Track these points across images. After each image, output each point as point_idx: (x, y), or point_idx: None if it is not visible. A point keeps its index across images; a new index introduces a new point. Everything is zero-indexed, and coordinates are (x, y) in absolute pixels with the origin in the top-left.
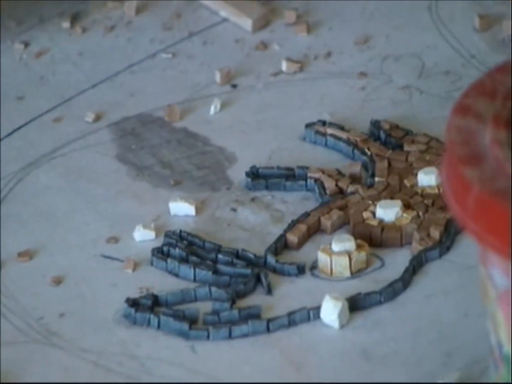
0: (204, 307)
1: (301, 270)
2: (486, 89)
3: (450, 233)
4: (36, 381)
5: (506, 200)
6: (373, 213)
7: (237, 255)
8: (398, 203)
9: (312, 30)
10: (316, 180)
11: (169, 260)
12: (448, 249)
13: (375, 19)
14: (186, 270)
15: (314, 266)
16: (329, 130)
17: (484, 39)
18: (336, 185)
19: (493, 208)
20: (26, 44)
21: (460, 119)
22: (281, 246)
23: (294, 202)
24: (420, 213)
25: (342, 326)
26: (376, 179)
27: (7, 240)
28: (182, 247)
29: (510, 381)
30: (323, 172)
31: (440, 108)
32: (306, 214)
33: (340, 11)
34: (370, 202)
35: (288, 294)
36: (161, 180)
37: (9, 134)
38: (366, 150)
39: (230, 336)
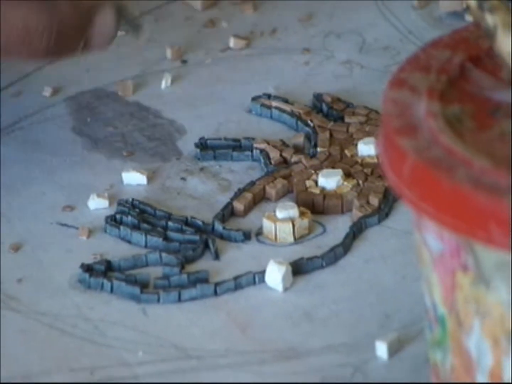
0: (155, 272)
1: (247, 236)
2: (420, 64)
3: (389, 201)
4: None
5: (439, 168)
6: (316, 182)
7: (186, 222)
8: (339, 172)
9: (258, 8)
10: (261, 150)
11: (121, 227)
12: (386, 215)
13: None
14: (138, 237)
15: (259, 233)
16: (274, 103)
17: (421, 16)
18: (281, 155)
19: (427, 177)
20: None
21: (396, 92)
22: (228, 213)
23: (241, 172)
24: (360, 182)
25: (285, 289)
26: (319, 149)
27: None
28: (134, 215)
29: (444, 340)
30: (268, 143)
31: (380, 82)
32: (252, 183)
33: None
34: (312, 171)
35: (234, 259)
36: (115, 151)
37: None
38: (309, 122)
39: (179, 300)
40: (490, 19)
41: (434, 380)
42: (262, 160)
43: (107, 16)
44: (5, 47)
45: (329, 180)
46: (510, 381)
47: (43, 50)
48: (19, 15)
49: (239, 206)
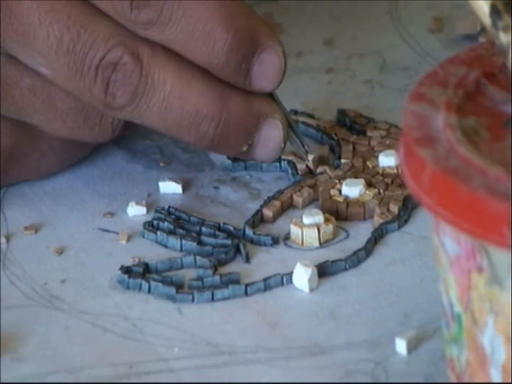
0: (189, 274)
1: (275, 241)
2: (439, 79)
3: (408, 208)
4: (39, 339)
5: (457, 177)
6: (339, 191)
7: (219, 228)
8: (361, 182)
9: (285, 31)
10: (289, 162)
11: (158, 232)
12: (405, 222)
13: (341, 22)
14: (174, 241)
15: (287, 237)
16: (301, 118)
17: (438, 38)
18: (307, 166)
19: (446, 184)
20: None
21: (415, 105)
22: (258, 220)
23: (270, 181)
24: (381, 191)
25: (311, 290)
26: (342, 160)
27: (15, 216)
28: (170, 221)
29: (460, 336)
30: (295, 155)
31: (399, 100)
32: (280, 192)
33: (310, 14)
34: (336, 181)
35: (264, 262)
36: (152, 162)
37: None
38: (333, 135)
39: (212, 299)
40: (503, 38)
41: (450, 374)
42: (290, 171)
43: (274, 129)
44: (170, 128)
45: (352, 189)
46: None
47: (209, 138)
48: (193, 96)
49: (268, 213)
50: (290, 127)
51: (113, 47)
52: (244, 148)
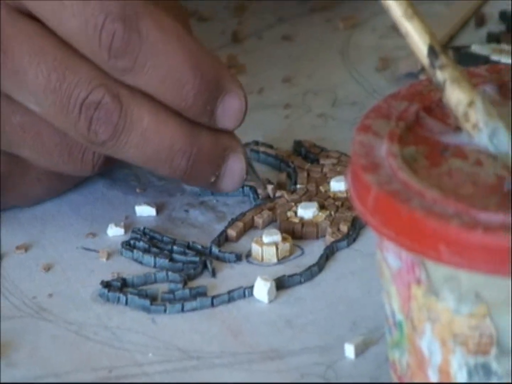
0: (162, 288)
1: (238, 257)
2: (382, 112)
3: (356, 228)
4: (30, 346)
5: (398, 199)
6: (295, 213)
7: (188, 246)
8: (314, 205)
9: (248, 70)
10: (250, 187)
11: (135, 251)
12: (354, 240)
13: (299, 62)
14: (148, 258)
15: (248, 255)
16: (262, 148)
17: (383, 76)
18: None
19: (388, 206)
20: None
21: (362, 135)
22: (223, 239)
23: (234, 205)
24: (332, 212)
25: (270, 301)
26: (298, 186)
27: (7, 237)
28: (145, 241)
29: (402, 341)
30: (250, 186)
31: (349, 131)
32: (243, 214)
33: (271, 55)
34: (293, 204)
35: (228, 276)
36: (129, 188)
37: None
38: (290, 163)
39: (182, 310)
40: (440, 75)
41: (393, 375)
42: (251, 195)
43: (238, 162)
44: (147, 161)
45: (307, 211)
46: (455, 375)
47: (182, 170)
48: (167, 132)
49: (232, 233)
50: (248, 162)
51: (95, 88)
52: (212, 179)
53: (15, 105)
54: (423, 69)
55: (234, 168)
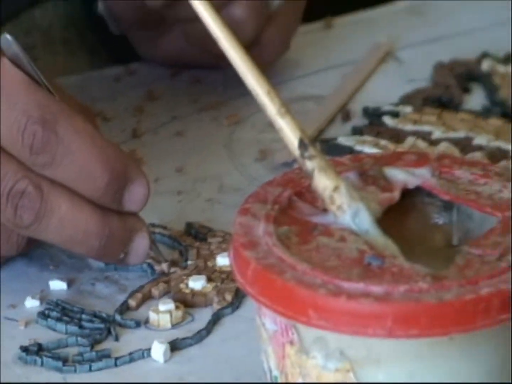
0: (72, 351)
1: (138, 324)
2: (260, 197)
3: (239, 296)
4: None
5: (273, 272)
6: (187, 284)
7: (95, 315)
8: (203, 277)
9: (146, 162)
10: (148, 264)
11: (49, 319)
12: (237, 307)
13: (189, 154)
14: (61, 326)
15: (147, 321)
16: (157, 230)
17: (263, 166)
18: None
19: (264, 277)
20: None
21: (242, 217)
22: (124, 308)
23: (134, 279)
24: (218, 284)
25: (165, 361)
26: (189, 262)
27: None
28: (57, 311)
29: None
30: (153, 259)
31: (232, 214)
32: (142, 286)
33: (165, 148)
34: (184, 277)
35: (129, 340)
36: (44, 266)
37: None
38: (182, 242)
39: (90, 370)
40: (309, 165)
41: None
42: (149, 270)
43: (143, 240)
44: (65, 243)
45: (196, 283)
46: None
47: (95, 249)
48: (82, 218)
49: (132, 303)
50: (151, 239)
51: (20, 179)
52: (121, 256)
53: None
54: (295, 160)
55: (140, 245)
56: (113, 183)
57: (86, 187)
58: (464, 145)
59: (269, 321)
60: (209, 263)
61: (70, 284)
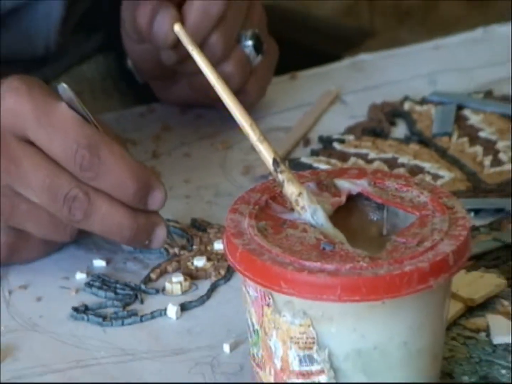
0: (110, 311)
1: (157, 291)
2: (245, 200)
3: (230, 271)
4: (26, 349)
5: (254, 254)
6: (192, 263)
7: (126, 284)
8: (204, 258)
9: (161, 175)
10: (165, 248)
11: (92, 288)
12: (229, 279)
13: (195, 171)
14: (101, 292)
15: (163, 289)
16: (171, 223)
17: (247, 178)
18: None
19: (248, 258)
20: None
21: (232, 215)
22: (147, 280)
23: (154, 259)
24: (215, 262)
25: (177, 318)
26: (194, 247)
27: (14, 278)
28: (99, 282)
29: (258, 342)
30: (168, 244)
31: (225, 212)
32: (160, 264)
33: (177, 166)
34: (191, 257)
35: (151, 303)
36: (89, 249)
37: None
38: (189, 232)
39: (123, 324)
40: (280, 177)
41: (253, 363)
42: (165, 253)
43: (162, 230)
44: (105, 233)
45: (199, 262)
46: (291, 363)
47: (127, 238)
48: (118, 214)
49: (153, 276)
50: (168, 230)
51: (72, 188)
52: (146, 242)
53: (22, 198)
54: (270, 173)
55: (159, 235)
56: (140, 190)
57: (120, 193)
58: (391, 163)
59: (252, 290)
60: (208, 248)
61: (108, 262)
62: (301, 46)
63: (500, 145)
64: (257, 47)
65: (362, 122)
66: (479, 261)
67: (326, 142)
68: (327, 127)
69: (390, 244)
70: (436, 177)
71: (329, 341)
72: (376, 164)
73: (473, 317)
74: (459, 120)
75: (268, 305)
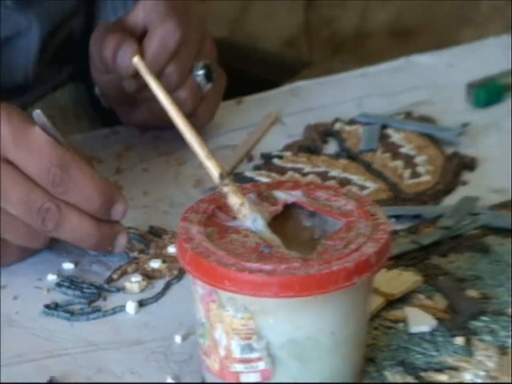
0: (77, 307)
1: (118, 290)
2: (194, 209)
3: (182, 272)
4: (4, 341)
5: (202, 256)
6: (149, 265)
7: (91, 284)
8: (160, 261)
9: (123, 189)
10: (125, 252)
11: (62, 287)
12: (181, 279)
13: (153, 184)
14: (70, 291)
15: (124, 288)
16: (131, 230)
17: (199, 191)
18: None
19: (196, 260)
20: None
21: (183, 223)
22: (110, 280)
23: (116, 261)
24: (169, 264)
25: (136, 313)
26: (151, 250)
27: None
28: (68, 282)
29: (205, 333)
30: (129, 249)
31: (178, 220)
32: (121, 266)
33: (137, 181)
34: (148, 260)
35: (112, 300)
36: (60, 254)
37: None
38: (146, 238)
39: (88, 319)
40: (225, 189)
41: (200, 352)
42: (126, 256)
43: (123, 238)
44: (74, 241)
45: (155, 264)
46: (233, 351)
47: (93, 245)
48: (85, 225)
49: (115, 276)
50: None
51: (45, 202)
52: (109, 248)
53: (2, 211)
54: (217, 186)
55: (121, 241)
56: (104, 203)
57: (88, 206)
58: (324, 176)
59: (200, 288)
60: (163, 251)
61: (76, 265)
62: (247, 75)
63: (418, 159)
64: (208, 76)
65: (298, 140)
66: (398, 260)
67: (267, 158)
68: (268, 145)
69: (320, 247)
70: (362, 187)
71: (267, 332)
72: (311, 177)
73: (393, 310)
74: (383, 138)
75: (214, 301)
